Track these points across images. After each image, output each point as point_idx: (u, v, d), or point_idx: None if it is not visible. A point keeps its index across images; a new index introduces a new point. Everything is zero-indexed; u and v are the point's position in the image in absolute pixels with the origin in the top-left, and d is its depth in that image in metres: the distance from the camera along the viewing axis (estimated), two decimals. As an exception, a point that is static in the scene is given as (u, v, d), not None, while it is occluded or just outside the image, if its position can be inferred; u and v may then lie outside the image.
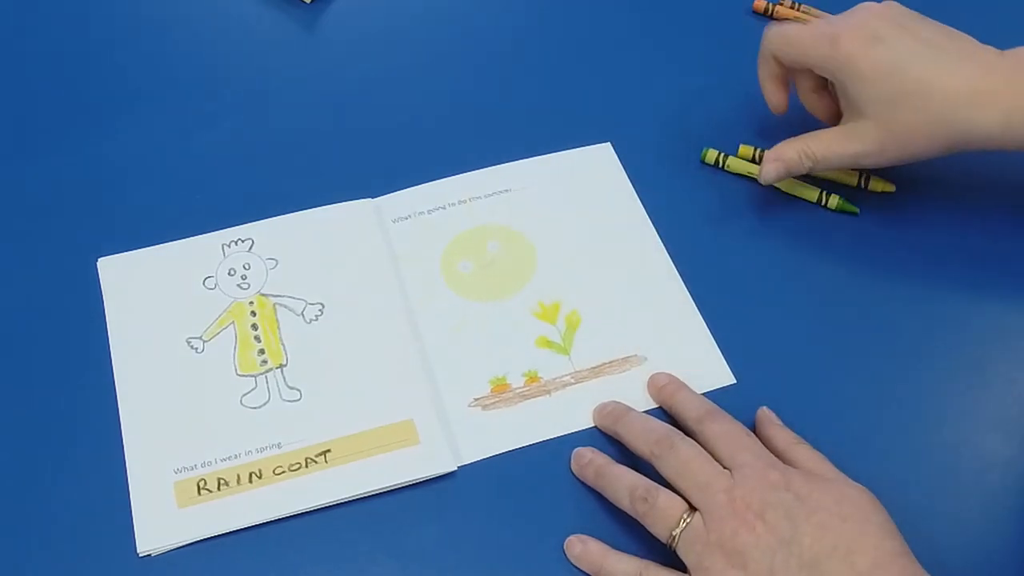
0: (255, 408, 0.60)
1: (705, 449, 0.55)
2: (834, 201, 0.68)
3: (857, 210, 0.68)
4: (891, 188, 0.69)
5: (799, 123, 0.73)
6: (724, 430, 0.56)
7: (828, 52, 0.62)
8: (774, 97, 0.68)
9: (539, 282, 0.66)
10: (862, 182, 0.69)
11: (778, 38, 0.65)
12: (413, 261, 0.66)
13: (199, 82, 0.75)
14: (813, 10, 0.79)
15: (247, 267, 0.65)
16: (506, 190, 0.69)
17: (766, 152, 0.66)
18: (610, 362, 0.62)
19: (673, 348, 0.63)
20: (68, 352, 0.62)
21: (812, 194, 0.68)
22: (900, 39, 0.61)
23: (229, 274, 0.65)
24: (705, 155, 0.70)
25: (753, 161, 0.70)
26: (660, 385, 0.61)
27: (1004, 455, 0.58)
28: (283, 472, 0.57)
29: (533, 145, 0.71)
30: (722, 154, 0.70)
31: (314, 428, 0.59)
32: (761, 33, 0.66)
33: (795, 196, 0.69)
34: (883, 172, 0.68)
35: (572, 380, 0.62)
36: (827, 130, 0.65)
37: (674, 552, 0.52)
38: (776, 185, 0.68)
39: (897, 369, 0.62)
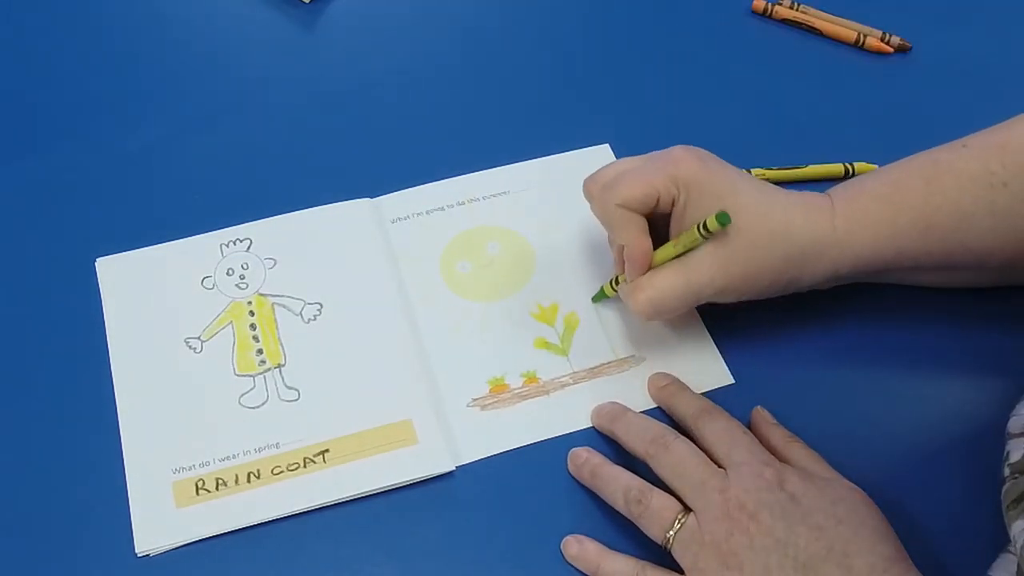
0: (253, 408, 0.60)
1: (701, 447, 0.55)
2: None
3: None
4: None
5: (797, 129, 0.73)
6: (720, 428, 0.56)
7: (674, 172, 0.57)
8: (641, 243, 0.58)
9: (538, 283, 0.66)
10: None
11: (620, 186, 0.57)
12: (412, 261, 0.66)
13: (197, 82, 0.75)
14: (811, 10, 0.79)
15: (245, 267, 0.65)
16: (505, 192, 0.69)
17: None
18: (608, 363, 0.62)
19: (672, 349, 0.63)
20: (66, 352, 0.62)
21: None
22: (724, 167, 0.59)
23: (227, 274, 0.65)
24: None
25: None
26: (660, 386, 0.61)
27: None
28: (281, 472, 0.58)
29: (532, 147, 0.71)
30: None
31: (312, 428, 0.59)
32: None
33: None
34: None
35: (570, 381, 0.62)
36: (665, 269, 0.58)
37: (670, 553, 0.52)
38: None
39: (895, 370, 0.62)
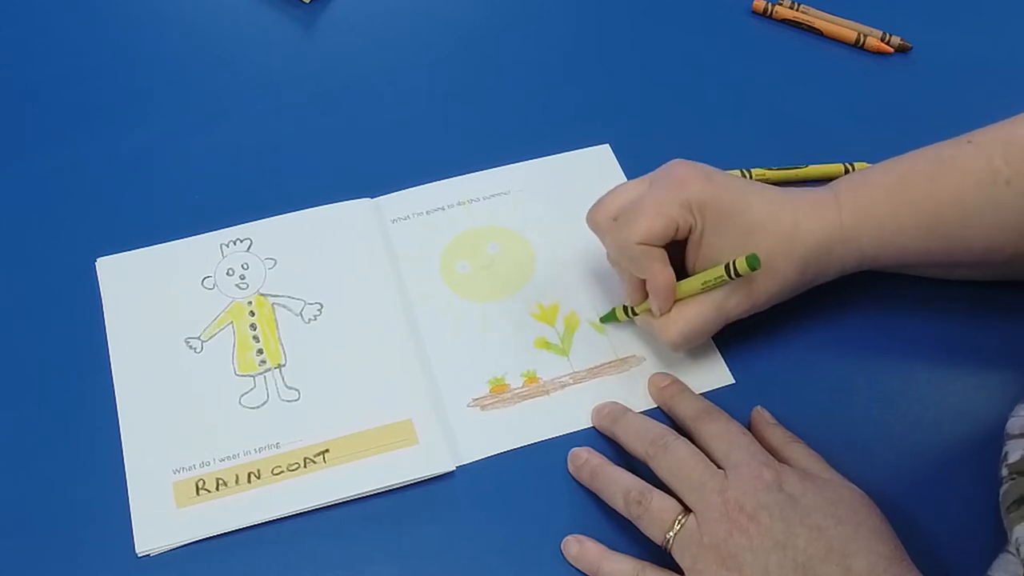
0: (254, 408, 0.60)
1: (701, 448, 0.55)
2: None
3: None
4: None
5: (797, 129, 0.73)
6: (720, 428, 0.56)
7: (686, 198, 0.57)
8: (665, 276, 0.58)
9: (538, 283, 0.66)
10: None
11: (638, 222, 0.57)
12: (412, 261, 0.66)
13: (197, 82, 0.75)
14: (812, 10, 0.79)
15: (246, 267, 0.65)
16: (505, 192, 0.69)
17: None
18: (608, 363, 0.62)
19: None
20: (67, 352, 0.62)
21: None
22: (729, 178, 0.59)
23: (228, 274, 0.65)
24: None
25: None
26: (661, 386, 0.61)
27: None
28: (282, 472, 0.58)
29: (532, 147, 0.71)
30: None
31: (313, 428, 0.59)
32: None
33: None
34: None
35: (571, 381, 0.62)
36: (696, 300, 0.59)
37: (670, 554, 0.52)
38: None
39: (896, 370, 0.62)
